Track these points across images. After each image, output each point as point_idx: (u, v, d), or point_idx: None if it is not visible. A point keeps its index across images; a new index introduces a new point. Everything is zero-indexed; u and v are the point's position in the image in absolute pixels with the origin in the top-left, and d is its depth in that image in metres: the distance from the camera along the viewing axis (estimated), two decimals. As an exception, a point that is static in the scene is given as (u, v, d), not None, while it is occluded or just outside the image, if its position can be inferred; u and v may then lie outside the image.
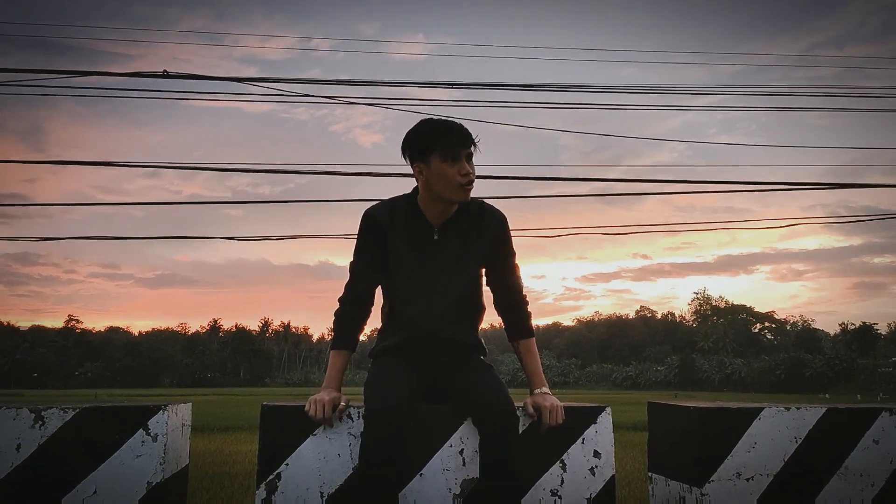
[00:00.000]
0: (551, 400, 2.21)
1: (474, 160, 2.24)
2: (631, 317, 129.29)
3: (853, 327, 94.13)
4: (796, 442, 2.38)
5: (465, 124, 2.30)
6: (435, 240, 2.27)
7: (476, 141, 2.22)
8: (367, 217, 2.29)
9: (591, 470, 2.25)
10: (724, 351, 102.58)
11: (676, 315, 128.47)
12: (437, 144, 2.17)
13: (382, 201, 2.34)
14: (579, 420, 2.28)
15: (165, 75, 8.92)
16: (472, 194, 2.24)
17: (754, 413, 2.38)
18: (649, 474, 2.64)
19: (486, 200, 2.35)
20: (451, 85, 9.89)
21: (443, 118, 2.25)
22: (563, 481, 2.23)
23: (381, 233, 2.27)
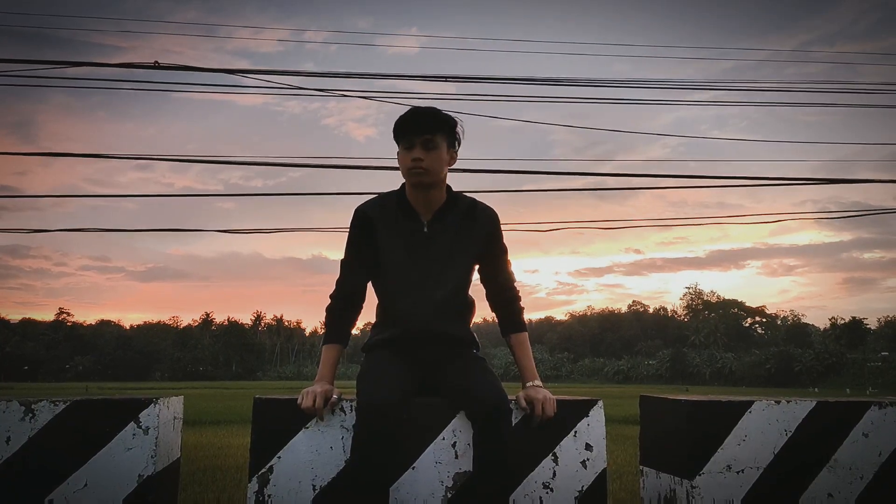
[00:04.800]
0: (543, 393, 2.22)
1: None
2: (623, 311, 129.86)
3: (843, 322, 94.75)
4: (786, 435, 2.39)
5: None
6: (424, 233, 2.28)
7: (438, 128, 2.22)
8: (358, 213, 2.32)
9: (583, 463, 2.26)
10: (716, 345, 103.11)
11: (668, 309, 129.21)
12: (398, 131, 2.23)
13: (373, 197, 2.36)
14: (571, 413, 2.29)
15: (157, 66, 8.86)
16: (466, 188, 2.25)
17: (745, 406, 2.39)
18: (640, 467, 2.65)
19: (479, 194, 2.37)
20: (445, 78, 9.87)
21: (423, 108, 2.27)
22: (555, 474, 2.24)
23: (371, 228, 2.29)
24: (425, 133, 2.21)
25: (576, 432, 2.28)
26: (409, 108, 2.28)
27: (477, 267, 2.39)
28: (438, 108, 2.29)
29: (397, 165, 2.28)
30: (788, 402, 2.43)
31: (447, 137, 2.25)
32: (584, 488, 2.25)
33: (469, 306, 2.40)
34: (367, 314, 2.45)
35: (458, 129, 2.30)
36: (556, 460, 2.25)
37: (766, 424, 2.38)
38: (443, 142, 2.24)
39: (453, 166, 2.32)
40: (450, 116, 2.28)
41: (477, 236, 2.31)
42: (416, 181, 2.23)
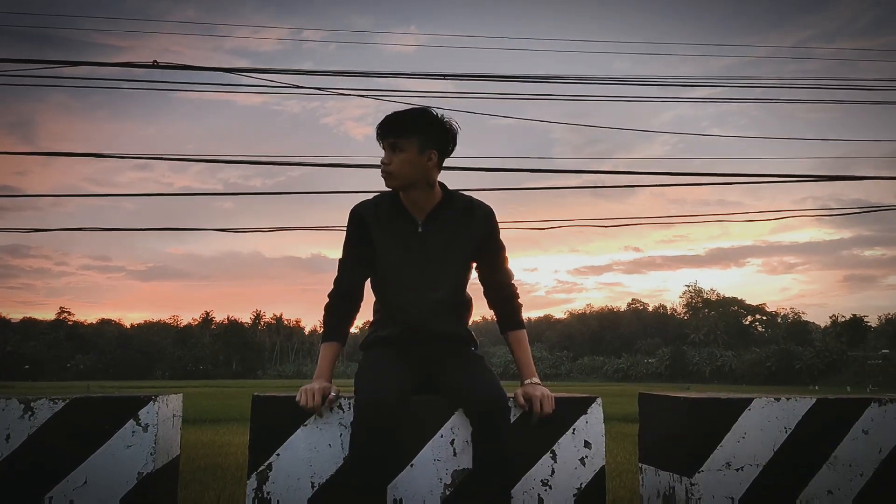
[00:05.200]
0: (541, 390, 2.22)
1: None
2: (622, 309, 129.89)
3: (843, 320, 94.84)
4: (786, 432, 2.39)
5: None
6: (419, 233, 2.28)
7: (403, 130, 2.19)
8: (354, 214, 2.33)
9: (582, 460, 2.26)
10: (715, 343, 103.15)
11: (668, 308, 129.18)
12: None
13: (370, 197, 2.37)
14: (570, 411, 2.28)
15: (156, 66, 8.85)
16: (464, 187, 2.25)
17: (744, 404, 2.39)
18: (639, 465, 2.65)
19: (478, 192, 2.37)
20: (444, 76, 9.88)
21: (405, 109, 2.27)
22: (553, 471, 2.24)
23: (367, 228, 2.29)
24: (389, 136, 2.21)
25: (574, 430, 2.28)
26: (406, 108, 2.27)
27: (475, 265, 2.40)
28: (427, 108, 2.26)
29: None
30: (788, 399, 2.43)
31: (419, 138, 2.20)
32: (583, 486, 2.25)
33: (467, 304, 2.40)
34: (366, 313, 2.45)
35: (442, 127, 2.24)
36: (554, 458, 2.24)
37: (765, 422, 2.38)
38: (412, 144, 2.19)
39: (448, 165, 2.31)
40: (423, 116, 2.23)
41: (473, 234, 2.31)
42: (385, 183, 2.26)
